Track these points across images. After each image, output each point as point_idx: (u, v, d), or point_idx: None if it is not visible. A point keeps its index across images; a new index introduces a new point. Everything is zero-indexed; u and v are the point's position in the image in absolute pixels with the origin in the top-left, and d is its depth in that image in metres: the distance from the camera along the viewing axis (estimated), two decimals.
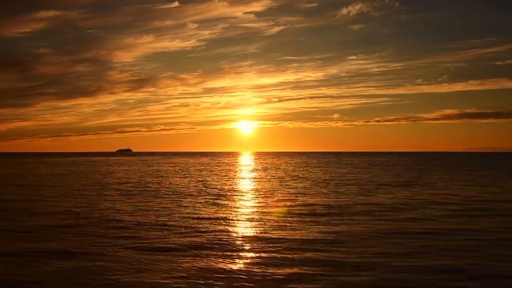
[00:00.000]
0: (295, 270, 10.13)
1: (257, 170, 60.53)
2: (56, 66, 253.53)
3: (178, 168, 66.90)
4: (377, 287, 9.13)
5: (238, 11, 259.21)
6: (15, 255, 11.52)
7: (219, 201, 23.17)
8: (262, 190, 29.76)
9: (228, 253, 11.69)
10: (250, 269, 10.21)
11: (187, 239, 13.46)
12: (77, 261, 10.89)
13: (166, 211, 19.41)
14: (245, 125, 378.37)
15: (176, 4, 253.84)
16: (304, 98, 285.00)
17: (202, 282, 9.31)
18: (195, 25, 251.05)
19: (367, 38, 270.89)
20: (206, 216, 18.12)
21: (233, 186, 33.52)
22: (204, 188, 30.98)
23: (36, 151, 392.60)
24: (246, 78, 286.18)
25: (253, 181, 38.53)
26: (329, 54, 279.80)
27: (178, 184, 34.64)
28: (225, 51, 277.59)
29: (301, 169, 63.43)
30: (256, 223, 16.47)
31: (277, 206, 21.06)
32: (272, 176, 46.02)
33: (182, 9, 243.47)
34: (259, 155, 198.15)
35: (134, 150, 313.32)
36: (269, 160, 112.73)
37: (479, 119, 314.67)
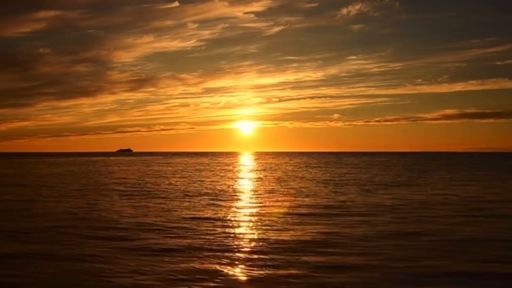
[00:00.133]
0: (295, 271, 10.09)
1: (257, 170, 60.52)
2: (56, 66, 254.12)
3: (178, 168, 66.89)
4: None
5: (238, 11, 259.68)
6: (14, 256, 11.50)
7: (218, 202, 23.13)
8: (262, 190, 29.74)
9: (227, 255, 11.65)
10: (250, 271, 10.17)
11: (186, 240, 13.42)
12: (75, 263, 10.85)
13: (165, 212, 19.38)
14: (245, 125, 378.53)
15: (176, 4, 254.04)
16: (304, 98, 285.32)
17: (201, 283, 9.28)
18: (195, 25, 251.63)
19: (367, 38, 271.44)
20: (205, 216, 18.09)
21: (233, 186, 33.49)
22: (203, 189, 30.96)
23: (36, 151, 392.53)
24: (246, 78, 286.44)
25: (253, 182, 38.50)
26: (329, 54, 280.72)
27: (177, 185, 34.61)
28: (225, 51, 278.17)
29: (301, 169, 63.42)
30: (256, 224, 16.44)
31: (277, 207, 21.04)
32: (272, 176, 46.01)
33: (182, 9, 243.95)
34: (259, 155, 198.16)
35: (134, 150, 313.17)
36: (269, 160, 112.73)
37: (479, 119, 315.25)
